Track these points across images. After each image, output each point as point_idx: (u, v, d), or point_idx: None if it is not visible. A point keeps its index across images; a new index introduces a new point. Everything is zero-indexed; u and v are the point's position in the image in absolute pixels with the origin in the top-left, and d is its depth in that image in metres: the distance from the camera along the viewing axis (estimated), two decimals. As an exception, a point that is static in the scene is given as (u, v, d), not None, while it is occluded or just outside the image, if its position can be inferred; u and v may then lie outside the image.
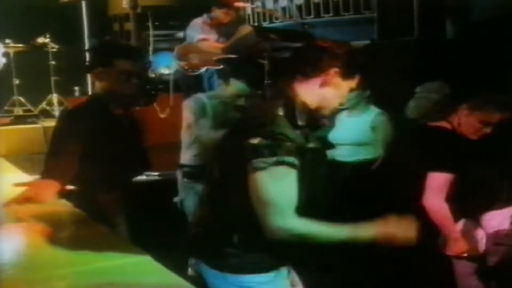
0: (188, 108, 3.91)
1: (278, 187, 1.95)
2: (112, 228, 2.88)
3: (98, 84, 3.16)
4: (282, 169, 1.95)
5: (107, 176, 3.03)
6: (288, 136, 1.99)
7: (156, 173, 4.24)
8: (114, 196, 3.14)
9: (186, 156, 3.89)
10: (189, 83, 6.00)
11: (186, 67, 5.93)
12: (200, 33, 6.04)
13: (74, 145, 2.92)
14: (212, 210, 2.21)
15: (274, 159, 1.94)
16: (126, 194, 3.22)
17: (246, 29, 5.17)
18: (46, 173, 2.98)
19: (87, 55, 5.96)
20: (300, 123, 2.07)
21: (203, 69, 5.93)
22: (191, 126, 3.86)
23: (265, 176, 1.95)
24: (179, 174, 3.93)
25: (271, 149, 1.95)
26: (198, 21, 6.17)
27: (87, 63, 3.32)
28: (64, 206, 3.14)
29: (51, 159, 3.06)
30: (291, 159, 1.96)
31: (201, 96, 4.03)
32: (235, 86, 3.93)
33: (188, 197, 3.84)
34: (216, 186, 2.20)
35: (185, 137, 3.91)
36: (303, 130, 2.08)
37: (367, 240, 2.03)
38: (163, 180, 4.15)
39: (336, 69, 2.13)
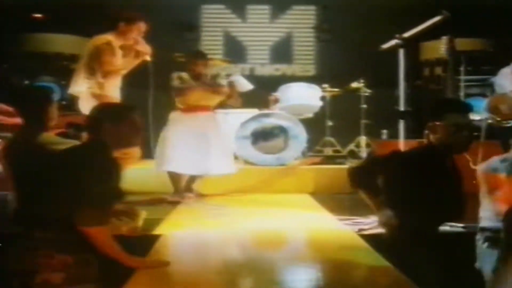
0: (480, 174, 3.71)
1: None
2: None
3: (431, 135, 3.33)
4: None
5: (423, 218, 3.16)
6: None
7: (461, 225, 4.03)
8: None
9: (486, 218, 3.59)
10: (503, 133, 5.71)
11: (498, 119, 5.66)
12: (510, 83, 5.72)
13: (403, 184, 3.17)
14: None
15: None
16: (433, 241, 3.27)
17: None
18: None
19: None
20: None
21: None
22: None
23: None
24: (479, 239, 3.62)
25: None
26: (507, 70, 5.84)
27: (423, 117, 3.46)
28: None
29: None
30: None
31: (495, 160, 3.74)
32: None
33: (486, 266, 3.49)
34: None
35: (483, 200, 3.65)
36: None
37: None
38: (466, 233, 3.93)
39: None
